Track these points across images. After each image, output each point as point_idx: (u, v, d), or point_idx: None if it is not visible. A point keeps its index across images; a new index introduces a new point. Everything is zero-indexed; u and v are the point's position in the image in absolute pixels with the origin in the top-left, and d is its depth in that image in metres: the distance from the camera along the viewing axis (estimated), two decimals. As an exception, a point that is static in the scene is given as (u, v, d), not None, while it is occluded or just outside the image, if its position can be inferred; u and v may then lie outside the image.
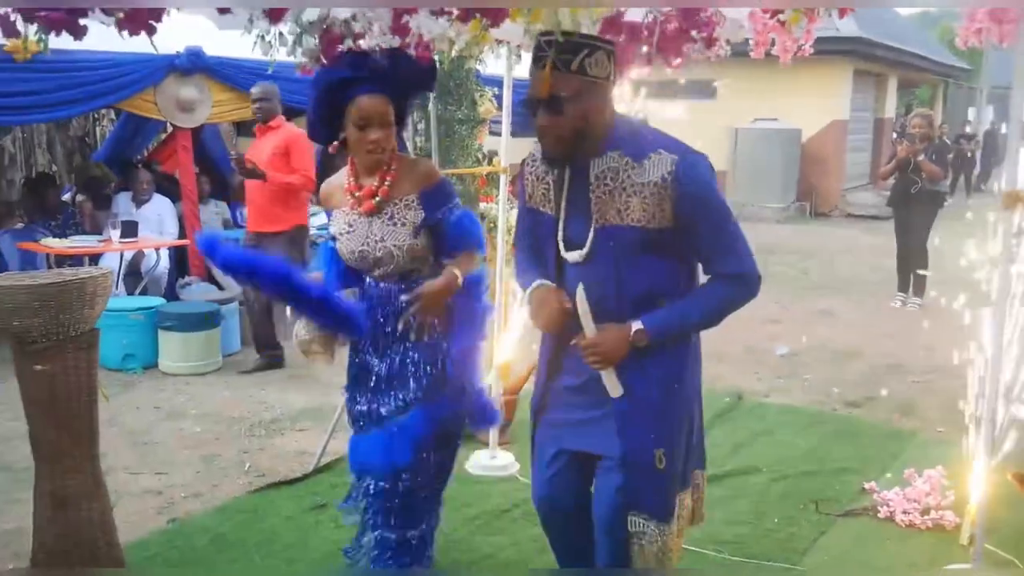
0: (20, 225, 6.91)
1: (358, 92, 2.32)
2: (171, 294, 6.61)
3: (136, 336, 5.54)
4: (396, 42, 2.07)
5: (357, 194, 2.46)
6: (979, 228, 3.33)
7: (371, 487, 2.55)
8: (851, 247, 11.18)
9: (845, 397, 5.10)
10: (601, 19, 2.41)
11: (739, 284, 2.15)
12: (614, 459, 2.18)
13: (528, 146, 2.28)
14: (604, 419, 2.19)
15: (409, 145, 4.37)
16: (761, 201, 13.74)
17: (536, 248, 2.29)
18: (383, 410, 2.53)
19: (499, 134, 4.16)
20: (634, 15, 2.46)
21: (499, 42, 3.12)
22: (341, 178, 2.55)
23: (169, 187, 7.57)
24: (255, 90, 5.48)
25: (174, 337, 5.53)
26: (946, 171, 7.45)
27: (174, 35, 4.90)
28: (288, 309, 2.69)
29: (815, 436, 4.43)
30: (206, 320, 5.59)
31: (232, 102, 6.61)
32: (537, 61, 2.07)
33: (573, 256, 2.16)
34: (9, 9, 1.42)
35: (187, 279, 6.72)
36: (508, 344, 3.94)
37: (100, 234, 6.78)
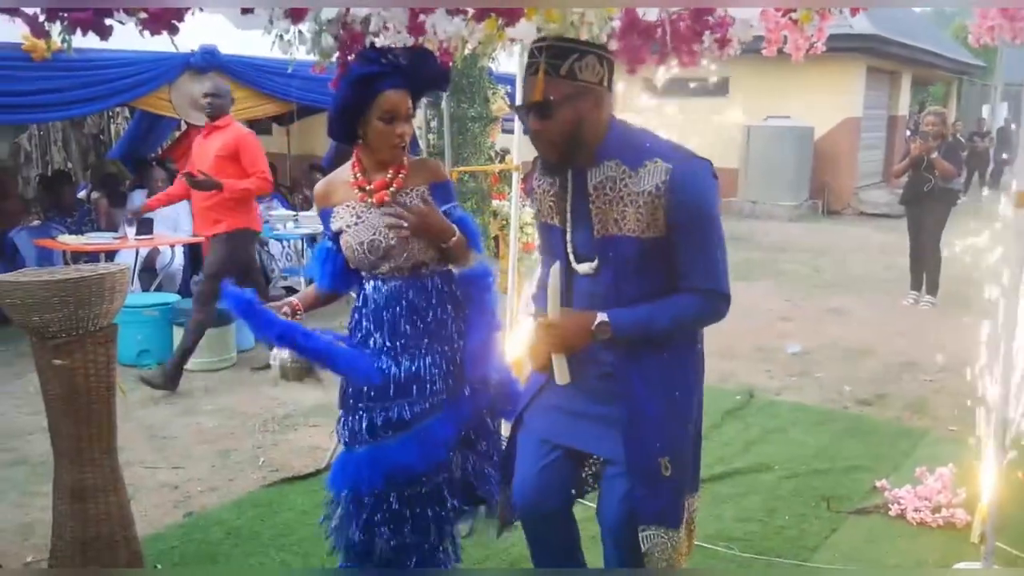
0: (37, 222, 6.98)
1: (384, 87, 2.32)
2: (185, 290, 6.67)
3: (151, 332, 5.60)
4: (411, 41, 2.09)
5: (368, 187, 2.44)
6: (993, 226, 3.33)
7: (396, 495, 2.43)
8: (863, 245, 11.14)
9: (856, 395, 5.10)
10: (619, 20, 2.42)
11: (708, 300, 2.11)
12: (619, 465, 2.14)
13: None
14: (606, 419, 2.15)
15: (422, 143, 4.39)
16: (773, 199, 13.70)
17: (550, 263, 2.26)
18: (407, 416, 2.42)
19: (511, 132, 4.18)
20: (640, 14, 2.47)
21: (512, 40, 3.13)
22: (343, 174, 2.51)
23: (183, 185, 7.63)
24: (208, 87, 5.26)
25: (189, 333, 5.57)
26: (960, 169, 7.42)
27: (190, 34, 4.96)
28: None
29: (826, 434, 4.44)
30: (221, 316, 5.62)
31: (246, 100, 6.66)
32: (529, 67, 2.06)
33: (583, 268, 2.15)
34: (37, 9, 1.45)
35: (201, 275, 6.77)
36: (520, 340, 3.96)
37: (116, 231, 6.85)
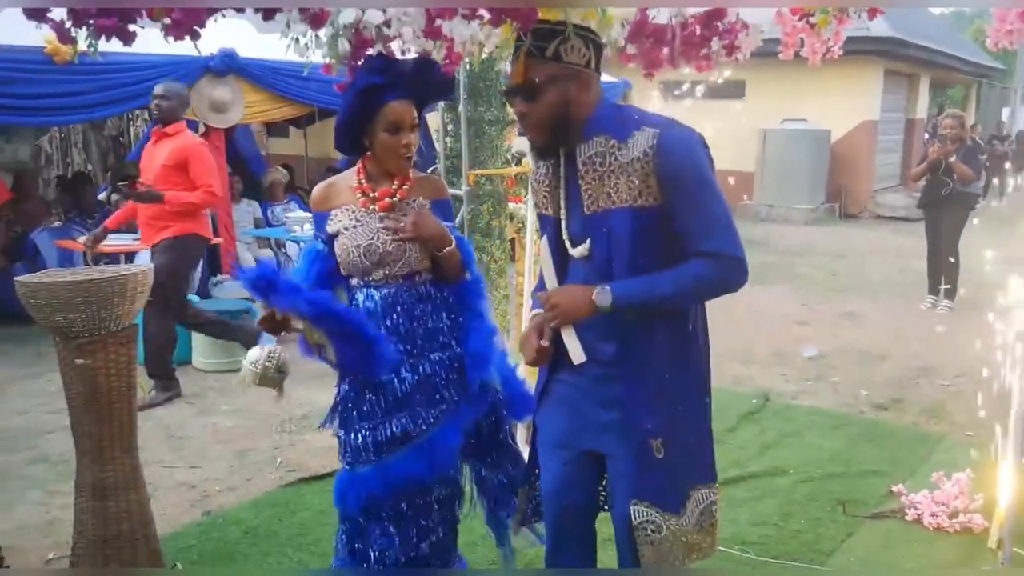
0: (58, 223, 7.06)
1: (389, 97, 2.33)
2: (204, 292, 6.72)
3: (170, 333, 5.63)
4: (429, 45, 2.11)
5: (371, 194, 2.43)
6: (1011, 229, 3.31)
7: (409, 509, 2.44)
8: (880, 249, 11.08)
9: (873, 400, 5.08)
10: (629, 23, 2.44)
11: (716, 264, 2.01)
12: (621, 460, 2.12)
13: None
14: (608, 416, 2.12)
15: (439, 146, 4.42)
16: (790, 202, 13.65)
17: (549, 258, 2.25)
18: (411, 428, 2.41)
19: (528, 135, 4.18)
20: (650, 17, 2.48)
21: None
22: (345, 178, 2.51)
23: (201, 186, 7.69)
24: (157, 88, 4.91)
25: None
26: (979, 173, 7.37)
27: (208, 37, 5.00)
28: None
29: (842, 438, 4.42)
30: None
31: (264, 103, 6.73)
32: (516, 51, 2.06)
33: (578, 251, 2.11)
34: (64, 15, 1.48)
35: (219, 277, 6.84)
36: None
37: (135, 233, 6.90)
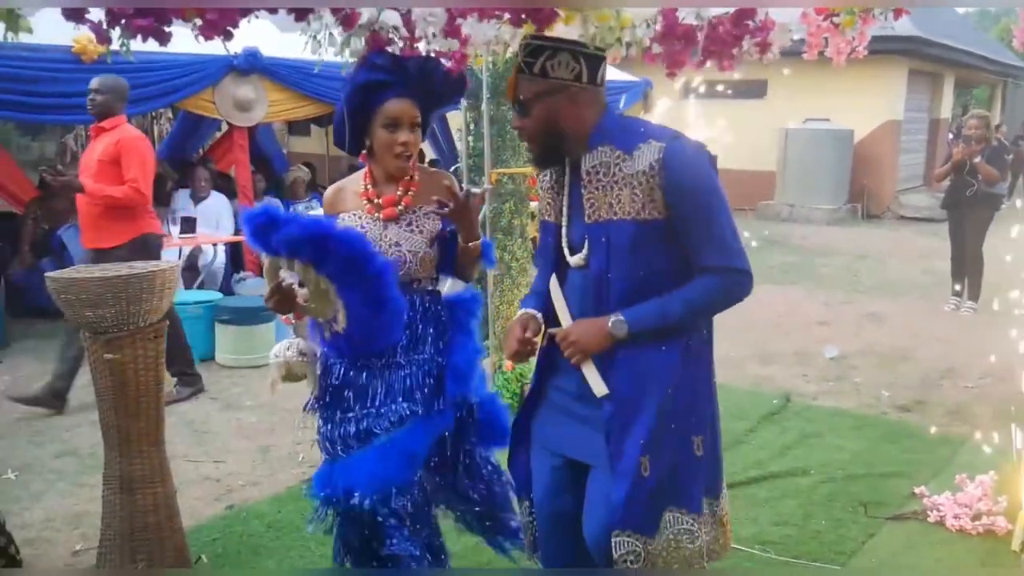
0: (84, 220, 7.13)
1: (388, 95, 2.30)
2: (226, 289, 6.79)
3: (194, 329, 5.69)
4: (455, 45, 2.13)
5: (376, 200, 2.41)
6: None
7: (358, 507, 2.36)
8: (903, 249, 10.99)
9: (895, 401, 5.05)
10: (654, 23, 2.45)
11: (724, 279, 2.02)
12: (600, 468, 2.08)
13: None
14: (590, 424, 2.10)
15: (461, 145, 4.44)
16: (811, 202, 13.57)
17: (545, 264, 2.25)
18: (376, 428, 2.38)
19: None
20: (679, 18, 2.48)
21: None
22: (354, 183, 2.48)
23: (223, 185, 7.77)
24: (92, 82, 4.69)
25: (230, 330, 5.70)
26: (1004, 173, 7.30)
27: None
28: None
29: (864, 439, 4.40)
30: (261, 314, 5.73)
31: (286, 102, 6.78)
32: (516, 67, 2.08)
33: (575, 260, 2.11)
34: (102, 16, 1.51)
35: (242, 274, 6.90)
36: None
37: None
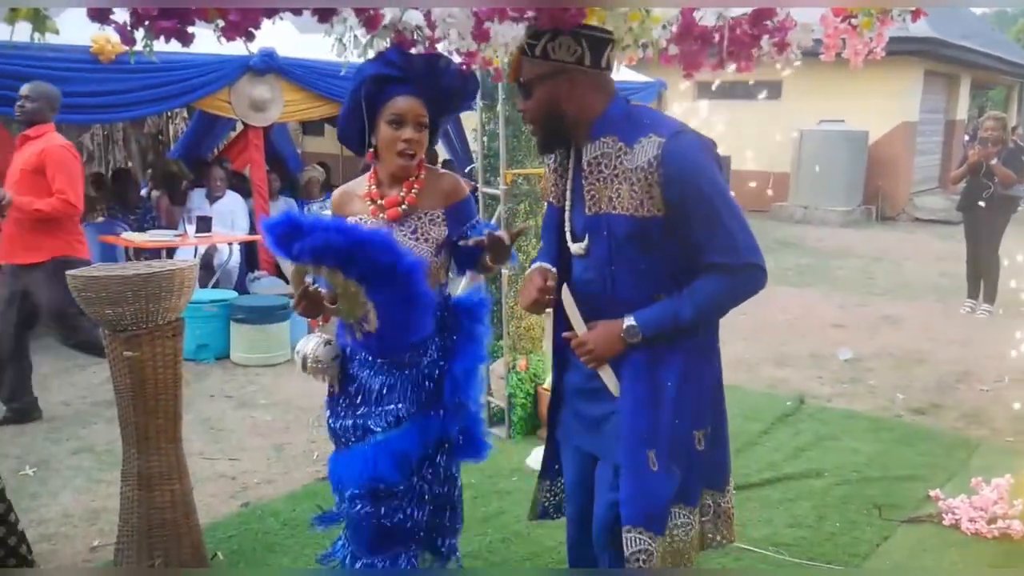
0: (101, 219, 7.21)
1: (395, 91, 2.26)
2: (241, 288, 6.83)
3: (210, 327, 5.75)
4: (474, 46, 2.14)
5: (380, 201, 2.37)
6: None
7: (349, 504, 2.42)
8: (918, 252, 10.94)
9: (910, 404, 5.03)
10: (671, 24, 2.45)
11: (733, 276, 1.97)
12: (605, 462, 2.10)
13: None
14: (600, 418, 2.12)
15: (476, 145, 4.45)
16: (826, 204, 13.52)
17: (549, 242, 2.25)
18: (372, 425, 2.39)
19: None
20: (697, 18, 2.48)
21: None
22: (360, 185, 2.45)
23: (238, 184, 7.82)
24: (23, 88, 4.45)
25: (245, 329, 5.73)
26: (1021, 175, 7.25)
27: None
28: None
29: (879, 442, 4.39)
30: (276, 313, 5.77)
31: (302, 102, 6.81)
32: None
33: (576, 248, 2.09)
34: (127, 17, 1.53)
35: (257, 273, 6.94)
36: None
37: (176, 228, 7.05)
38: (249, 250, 7.21)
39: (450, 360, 2.42)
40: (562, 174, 2.15)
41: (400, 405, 2.38)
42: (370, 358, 2.41)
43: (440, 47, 2.25)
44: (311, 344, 2.42)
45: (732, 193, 2.01)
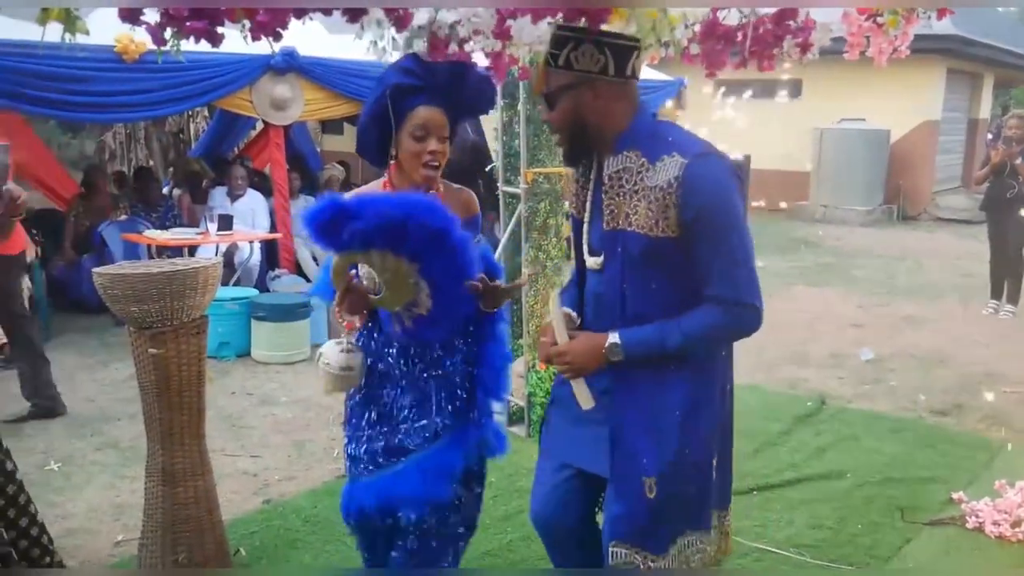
0: (124, 217, 7.28)
1: (417, 101, 2.20)
2: (262, 286, 6.87)
3: (231, 325, 5.79)
4: (498, 46, 2.14)
5: None
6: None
7: (401, 526, 2.34)
8: (940, 252, 10.85)
9: (932, 405, 4.99)
10: (694, 24, 2.44)
11: (729, 312, 1.93)
12: (610, 483, 2.06)
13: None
14: (603, 438, 2.06)
15: (498, 144, 4.45)
16: (846, 203, 13.43)
17: (575, 256, 2.22)
18: (409, 443, 2.32)
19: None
20: (721, 18, 2.47)
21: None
22: (375, 192, 2.36)
23: (259, 182, 7.87)
24: None
25: (266, 327, 5.77)
26: (1045, 175, 7.18)
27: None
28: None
29: (900, 443, 4.36)
30: (296, 311, 5.80)
31: (322, 101, 6.85)
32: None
33: (591, 262, 2.06)
34: (158, 18, 1.55)
35: (277, 272, 6.98)
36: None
37: (197, 227, 7.10)
38: (269, 248, 7.25)
39: (478, 366, 2.40)
40: (584, 185, 2.13)
41: (437, 419, 2.33)
42: (397, 372, 2.33)
43: (467, 47, 2.24)
44: (336, 354, 2.30)
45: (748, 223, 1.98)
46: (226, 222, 6.70)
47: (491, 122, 4.96)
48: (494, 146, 4.66)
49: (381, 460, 2.34)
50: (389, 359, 2.35)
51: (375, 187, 2.40)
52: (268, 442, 4.36)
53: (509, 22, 1.93)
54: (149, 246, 6.61)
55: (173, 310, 2.74)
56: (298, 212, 7.45)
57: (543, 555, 3.17)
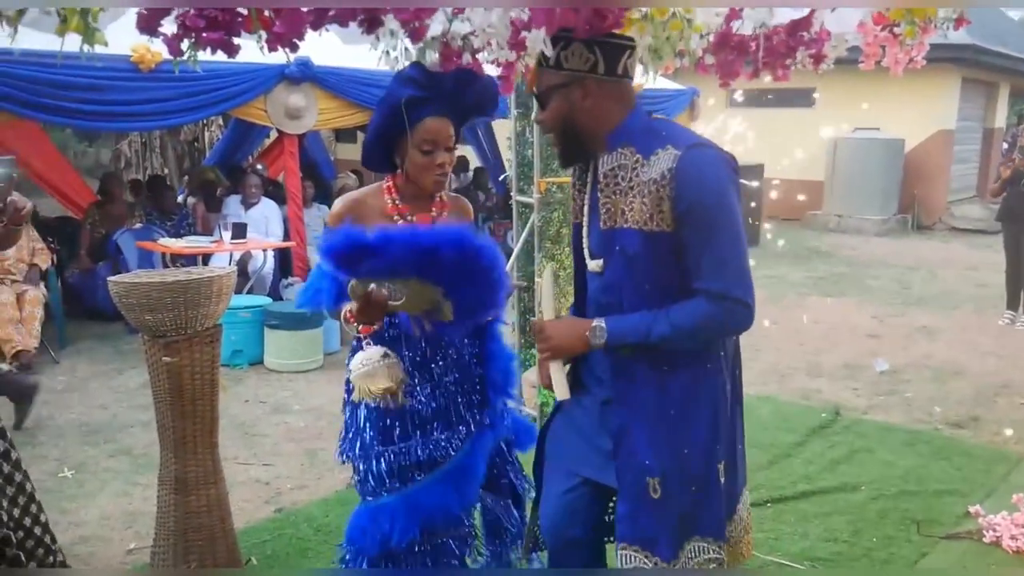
0: (139, 225, 7.32)
1: (424, 113, 2.20)
2: (275, 294, 6.90)
3: (244, 333, 5.81)
4: (512, 56, 2.14)
5: (411, 218, 2.30)
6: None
7: (429, 542, 2.31)
8: (956, 262, 10.77)
9: (948, 417, 4.95)
10: (708, 34, 2.44)
11: (718, 306, 1.87)
12: (617, 488, 2.02)
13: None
14: (606, 443, 2.04)
15: (511, 153, 4.46)
16: (860, 213, 13.36)
17: (575, 264, 2.19)
18: (438, 456, 2.30)
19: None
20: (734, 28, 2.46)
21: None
22: (374, 197, 2.34)
23: (273, 191, 7.91)
24: None
25: (279, 335, 5.78)
26: (1062, 185, 7.13)
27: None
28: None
29: (916, 455, 4.32)
30: (309, 320, 5.81)
31: (336, 110, 6.87)
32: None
33: (592, 266, 2.04)
34: (175, 29, 1.56)
35: (290, 280, 7.00)
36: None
37: (211, 235, 7.14)
38: (283, 256, 7.28)
39: (485, 367, 2.42)
40: (581, 188, 2.11)
41: (461, 428, 2.34)
42: (414, 382, 2.29)
43: (480, 57, 2.25)
44: (378, 359, 2.20)
45: (742, 219, 1.93)
46: (240, 230, 6.73)
47: (504, 131, 4.96)
48: (507, 155, 4.66)
49: (410, 474, 2.29)
50: (405, 360, 2.29)
51: (376, 193, 2.36)
52: (280, 450, 4.37)
53: (524, 33, 1.92)
54: (163, 254, 6.65)
55: (187, 319, 2.75)
56: (311, 220, 7.50)
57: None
